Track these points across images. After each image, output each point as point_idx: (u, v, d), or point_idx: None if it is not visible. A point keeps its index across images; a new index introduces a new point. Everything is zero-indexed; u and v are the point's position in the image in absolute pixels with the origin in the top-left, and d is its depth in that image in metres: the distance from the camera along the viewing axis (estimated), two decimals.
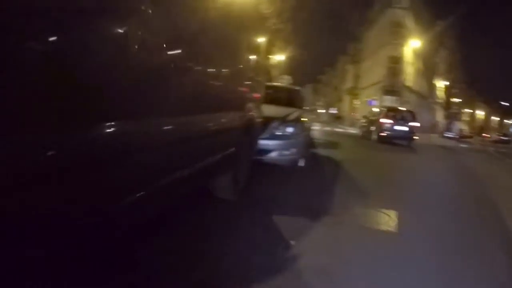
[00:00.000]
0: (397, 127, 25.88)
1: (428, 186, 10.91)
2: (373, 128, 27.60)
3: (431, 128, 42.81)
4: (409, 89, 56.83)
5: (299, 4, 40.14)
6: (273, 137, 9.08)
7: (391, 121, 25.98)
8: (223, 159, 5.75)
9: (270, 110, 9.80)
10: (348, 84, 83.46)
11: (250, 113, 7.07)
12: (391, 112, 27.35)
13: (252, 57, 7.35)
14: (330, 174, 10.48)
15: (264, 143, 8.85)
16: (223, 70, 5.38)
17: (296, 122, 9.68)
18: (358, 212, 6.75)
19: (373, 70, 62.70)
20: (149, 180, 3.21)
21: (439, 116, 70.12)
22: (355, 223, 6.14)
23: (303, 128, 10.03)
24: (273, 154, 9.06)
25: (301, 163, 10.11)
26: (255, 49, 7.51)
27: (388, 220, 6.52)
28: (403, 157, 18.74)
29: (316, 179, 9.49)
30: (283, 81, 25.72)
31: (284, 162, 9.43)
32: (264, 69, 8.07)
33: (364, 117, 34.00)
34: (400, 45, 54.18)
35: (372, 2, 68.47)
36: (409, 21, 54.73)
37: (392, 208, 7.18)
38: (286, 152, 9.20)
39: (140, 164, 2.96)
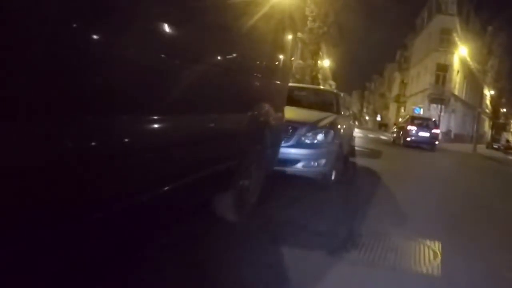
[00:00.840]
0: (420, 133, 28.52)
1: (477, 207, 9.25)
2: (401, 134, 30.27)
3: (478, 138, 40.62)
4: (456, 97, 54.67)
5: (345, 8, 38.74)
6: (300, 145, 7.82)
7: (415, 128, 28.66)
8: (214, 176, 4.52)
9: (299, 113, 8.69)
10: (395, 91, 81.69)
11: (265, 116, 5.78)
12: (416, 120, 30.37)
13: (274, 53, 6.17)
14: (365, 189, 9.03)
15: (288, 151, 7.61)
16: (218, 60, 4.20)
17: (329, 128, 8.34)
18: (393, 244, 5.27)
19: (420, 78, 60.20)
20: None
21: (487, 126, 67.70)
22: (387, 262, 4.64)
23: (337, 136, 8.67)
24: (299, 166, 7.79)
25: (333, 176, 8.59)
26: (277, 44, 6.28)
27: (429, 256, 5.02)
28: (449, 170, 16.94)
29: (348, 196, 8.09)
30: (329, 87, 25.15)
31: (311, 175, 8.16)
32: (289, 67, 6.58)
33: (395, 124, 37.70)
34: (448, 52, 52.22)
35: (420, 8, 66.82)
36: (457, 28, 52.51)
37: (434, 236, 5.74)
38: (314, 164, 7.90)
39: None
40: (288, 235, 5.08)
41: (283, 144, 7.36)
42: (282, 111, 6.76)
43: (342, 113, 10.51)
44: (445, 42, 53.96)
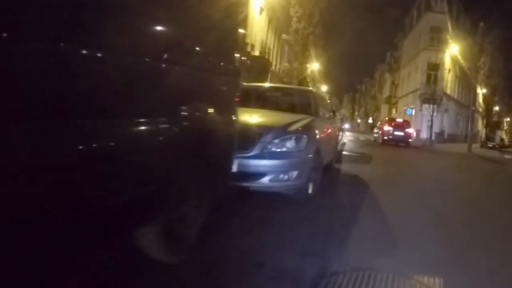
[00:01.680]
0: (395, 133, 34.18)
1: (484, 223, 7.57)
2: (380, 133, 36.51)
3: (472, 137, 39.47)
4: (448, 97, 53.61)
5: (331, 9, 37.68)
6: (265, 155, 6.52)
7: (391, 128, 34.62)
8: (127, 203, 3.36)
9: (265, 117, 7.51)
10: (386, 93, 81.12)
11: (205, 121, 4.57)
12: (392, 122, 36.86)
13: (219, 40, 4.86)
14: (348, 204, 7.63)
15: (251, 163, 6.39)
16: (126, 43, 3.16)
17: (302, 133, 7.01)
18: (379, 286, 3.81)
19: (411, 78, 59.50)
20: None
21: (480, 125, 66.80)
22: None
23: (313, 142, 7.36)
24: (265, 180, 6.46)
25: (309, 189, 7.23)
26: (223, 30, 5.03)
27: None
28: (445, 175, 15.46)
29: (326, 215, 6.70)
30: (318, 90, 24.02)
31: (281, 190, 6.79)
32: (242, 61, 5.16)
33: (376, 126, 44.62)
34: (439, 51, 51.11)
35: (408, 7, 66.32)
36: (448, 26, 51.39)
37: (433, 271, 4.36)
38: (284, 177, 6.58)
39: None
40: (235, 279, 3.76)
41: (244, 154, 6.29)
42: (234, 113, 5.34)
43: (321, 114, 9.07)
44: (436, 41, 53.00)
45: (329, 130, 9.84)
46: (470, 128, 40.73)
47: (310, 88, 11.18)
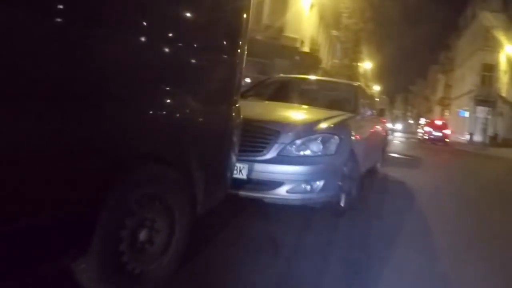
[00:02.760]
0: (434, 133, 41.30)
1: None
2: (423, 133, 44.43)
3: None
4: (503, 99, 50.80)
5: (383, 5, 35.95)
6: (283, 159, 5.11)
7: (431, 129, 42.09)
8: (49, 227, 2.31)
9: (287, 112, 6.23)
10: (439, 94, 78.32)
11: (178, 111, 3.33)
12: (432, 123, 44.30)
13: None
14: (391, 223, 6.02)
15: (264, 169, 5.03)
16: None
17: (333, 133, 5.53)
18: None
19: (465, 79, 57.04)
20: None
21: None
22: None
23: (348, 144, 5.85)
24: (281, 190, 5.05)
25: (342, 202, 5.81)
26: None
27: None
28: (505, 185, 13.46)
29: (359, 241, 5.12)
30: (370, 89, 22.53)
31: (301, 203, 5.37)
32: (242, 34, 3.51)
33: (421, 127, 50.42)
34: (494, 51, 48.89)
35: (463, 7, 63.62)
36: (503, 25, 48.48)
37: None
38: (306, 187, 5.13)
39: None
40: None
41: (257, 158, 5.05)
42: (233, 104, 3.87)
43: (363, 111, 7.49)
44: (491, 41, 50.35)
45: (373, 130, 8.28)
46: None
47: (352, 82, 9.49)
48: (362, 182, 7.18)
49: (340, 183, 5.61)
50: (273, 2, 28.52)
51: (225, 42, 3.78)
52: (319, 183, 5.10)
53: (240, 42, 3.96)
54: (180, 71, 3.21)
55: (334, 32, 39.12)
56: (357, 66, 40.64)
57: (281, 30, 29.01)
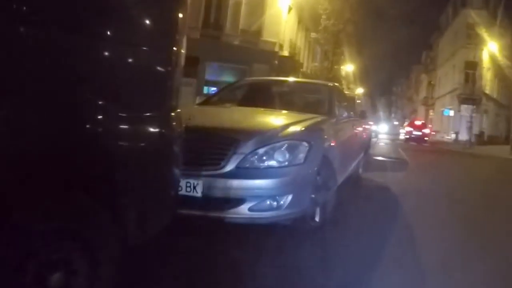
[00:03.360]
0: (414, 133, 44.71)
1: None
2: (405, 133, 47.47)
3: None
4: (487, 97, 50.69)
5: (362, 6, 35.60)
6: (243, 172, 4.42)
7: (411, 129, 45.53)
8: None
9: (249, 117, 5.64)
10: (422, 94, 78.25)
11: (93, 121, 2.70)
12: (412, 124, 48.38)
13: None
14: (372, 238, 5.30)
15: (221, 185, 4.36)
16: None
17: (302, 139, 4.84)
18: None
19: (448, 78, 57.01)
20: None
21: None
22: None
23: (321, 150, 5.18)
24: (243, 209, 4.36)
25: (316, 216, 5.14)
26: None
27: None
28: (497, 187, 12.71)
29: (337, 265, 4.36)
30: (352, 91, 22.14)
31: (267, 222, 4.67)
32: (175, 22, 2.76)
33: (403, 128, 54.70)
34: (477, 49, 48.51)
35: (444, 5, 63.98)
36: (485, 22, 48.35)
37: None
38: (272, 203, 4.45)
39: None
40: None
41: (212, 172, 4.38)
42: (170, 110, 3.17)
43: (339, 114, 6.82)
44: (473, 38, 50.16)
45: (351, 133, 7.62)
46: None
47: (326, 82, 8.82)
48: (341, 191, 6.51)
49: (312, 196, 4.93)
50: (249, 6, 27.97)
51: (155, 38, 3.08)
52: (287, 198, 4.43)
53: (177, 39, 3.27)
54: (94, 70, 2.53)
55: (314, 35, 38.57)
56: (338, 68, 40.09)
57: (258, 34, 28.48)
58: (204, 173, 4.33)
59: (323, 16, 34.99)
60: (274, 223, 4.62)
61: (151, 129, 3.12)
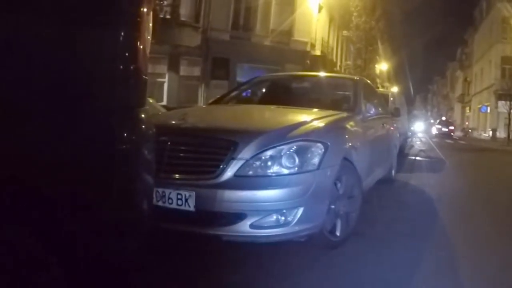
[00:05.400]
0: (442, 129, 50.53)
1: None
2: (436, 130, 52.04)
3: None
4: None
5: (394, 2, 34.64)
6: (243, 181, 3.60)
7: (440, 126, 52.43)
8: None
9: (255, 117, 4.85)
10: (458, 91, 76.63)
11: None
12: (442, 121, 56.14)
13: None
14: (404, 255, 4.39)
15: (216, 197, 3.52)
16: None
17: (317, 139, 3.97)
18: None
19: (484, 74, 55.77)
20: None
21: None
22: None
23: (341, 152, 4.35)
24: (243, 226, 3.56)
25: (338, 230, 4.32)
26: None
27: None
28: None
29: None
30: (385, 90, 21.46)
31: (275, 240, 3.78)
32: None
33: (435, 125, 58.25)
34: None
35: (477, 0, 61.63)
36: None
37: None
38: (280, 219, 3.61)
39: None
40: None
41: (206, 181, 3.58)
42: (133, 106, 2.38)
43: (365, 110, 5.92)
44: (509, 32, 48.76)
45: (381, 132, 6.72)
46: None
47: (352, 76, 7.93)
48: (370, 197, 5.62)
49: (332, 206, 4.08)
50: (279, 5, 27.30)
51: (108, 15, 2.29)
52: (297, 212, 3.60)
53: (138, 19, 2.48)
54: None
55: (345, 33, 37.63)
56: (372, 67, 39.01)
57: (289, 34, 27.79)
58: (197, 183, 3.55)
59: (354, 14, 34.13)
60: (280, 240, 3.76)
61: (104, 130, 2.33)
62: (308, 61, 27.64)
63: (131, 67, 2.45)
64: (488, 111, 50.58)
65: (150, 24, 2.65)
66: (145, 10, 2.58)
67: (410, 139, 20.09)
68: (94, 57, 2.23)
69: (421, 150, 19.54)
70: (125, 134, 2.43)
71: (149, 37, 2.65)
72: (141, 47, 2.53)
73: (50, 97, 2.04)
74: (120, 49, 2.37)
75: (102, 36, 2.25)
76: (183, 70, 25.60)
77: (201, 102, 24.03)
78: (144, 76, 2.56)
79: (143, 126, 2.58)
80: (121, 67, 2.38)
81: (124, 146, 2.42)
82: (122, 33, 2.37)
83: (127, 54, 2.41)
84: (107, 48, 2.30)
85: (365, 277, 3.69)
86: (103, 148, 2.30)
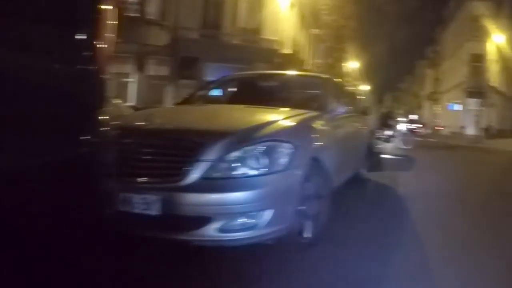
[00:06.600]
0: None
1: None
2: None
3: None
4: (495, 89, 49.57)
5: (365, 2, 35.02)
6: (209, 184, 3.54)
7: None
8: None
9: (222, 116, 4.75)
10: (428, 89, 77.21)
11: None
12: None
13: None
14: (372, 258, 4.35)
15: (182, 200, 3.47)
16: None
17: (285, 139, 3.96)
18: None
19: (454, 72, 55.86)
20: None
21: None
22: None
23: (309, 152, 4.33)
24: (210, 230, 3.50)
25: (307, 232, 4.27)
26: None
27: None
28: None
29: None
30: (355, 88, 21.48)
31: (244, 243, 3.72)
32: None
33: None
34: (482, 41, 47.76)
35: None
36: (490, 13, 47.17)
37: None
38: (247, 222, 3.55)
39: None
40: None
41: (171, 184, 3.50)
42: (91, 107, 2.28)
43: (334, 109, 5.90)
44: (479, 30, 48.95)
45: (350, 131, 6.76)
46: None
47: (321, 74, 7.93)
48: (340, 197, 5.62)
49: (300, 208, 4.05)
50: (249, 3, 27.25)
51: (63, 12, 2.21)
52: (266, 214, 3.56)
53: (97, 16, 2.41)
54: None
55: (315, 31, 37.77)
56: (342, 65, 39.25)
57: (258, 32, 27.77)
58: (163, 186, 3.48)
59: (325, 12, 34.27)
60: (248, 244, 3.71)
61: (62, 132, 2.25)
62: (278, 60, 27.60)
63: (90, 67, 2.38)
64: (458, 108, 51.25)
65: (112, 22, 2.59)
66: (105, 7, 2.52)
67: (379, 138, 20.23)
68: (48, 57, 2.16)
69: (391, 148, 19.68)
70: (85, 137, 2.36)
71: (110, 35, 2.58)
72: (101, 45, 2.47)
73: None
74: (77, 48, 2.30)
75: (57, 34, 2.18)
76: (151, 69, 25.44)
77: (169, 103, 23.86)
78: (103, 76, 2.50)
79: (104, 128, 2.52)
80: (78, 67, 2.32)
81: (83, 150, 2.36)
82: (80, 31, 2.30)
83: (84, 53, 2.34)
84: (63, 47, 2.23)
85: (334, 278, 3.67)
86: (62, 152, 2.23)
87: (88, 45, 2.34)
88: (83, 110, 2.37)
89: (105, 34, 2.49)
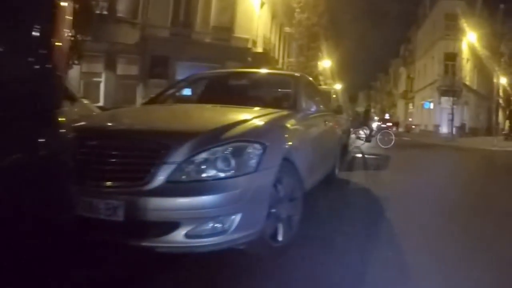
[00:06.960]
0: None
1: None
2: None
3: (493, 130, 36.47)
4: (468, 88, 50.25)
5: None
6: (175, 187, 3.41)
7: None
8: None
9: (188, 117, 4.69)
10: (402, 87, 77.99)
11: None
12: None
13: None
14: (347, 260, 4.28)
15: (147, 205, 3.32)
16: None
17: (255, 140, 3.84)
18: None
19: (428, 70, 56.70)
20: None
21: (501, 117, 63.16)
22: None
23: (280, 153, 4.21)
24: (177, 236, 3.38)
25: (279, 235, 4.17)
26: None
27: None
28: (488, 183, 11.81)
29: None
30: (328, 87, 21.68)
31: (212, 249, 3.58)
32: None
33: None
34: (456, 40, 48.24)
35: None
36: (464, 12, 47.80)
37: None
38: (216, 226, 3.45)
39: None
40: None
41: (136, 188, 3.37)
42: (48, 108, 2.17)
43: (306, 108, 5.85)
44: (452, 29, 49.65)
45: (323, 130, 6.68)
46: (496, 121, 37.49)
47: (292, 72, 7.87)
48: (312, 198, 5.55)
49: (272, 210, 3.96)
50: (221, 1, 27.17)
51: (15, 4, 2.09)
52: (235, 218, 3.45)
53: (53, 10, 2.28)
54: None
55: (287, 29, 37.81)
56: (314, 64, 39.28)
57: (230, 31, 27.69)
58: (127, 190, 3.35)
59: (297, 10, 34.30)
60: (216, 249, 3.60)
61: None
62: (250, 59, 27.54)
63: (45, 65, 2.25)
64: (432, 107, 51.79)
65: (68, 17, 2.46)
66: (62, 2, 2.39)
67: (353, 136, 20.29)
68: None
69: (367, 148, 19.73)
70: (41, 140, 2.24)
71: (67, 31, 2.46)
72: (57, 41, 2.34)
73: None
74: (31, 44, 2.18)
75: (8, 29, 2.05)
76: (121, 68, 25.22)
77: (139, 102, 23.66)
78: (59, 74, 2.37)
79: (62, 130, 2.40)
80: (34, 65, 2.19)
81: (40, 153, 2.23)
82: (34, 26, 2.18)
83: (39, 50, 2.22)
84: (15, 42, 2.10)
85: (309, 280, 3.60)
86: (17, 156, 2.10)
87: (42, 40, 2.22)
88: (39, 111, 2.24)
89: (62, 31, 2.37)
